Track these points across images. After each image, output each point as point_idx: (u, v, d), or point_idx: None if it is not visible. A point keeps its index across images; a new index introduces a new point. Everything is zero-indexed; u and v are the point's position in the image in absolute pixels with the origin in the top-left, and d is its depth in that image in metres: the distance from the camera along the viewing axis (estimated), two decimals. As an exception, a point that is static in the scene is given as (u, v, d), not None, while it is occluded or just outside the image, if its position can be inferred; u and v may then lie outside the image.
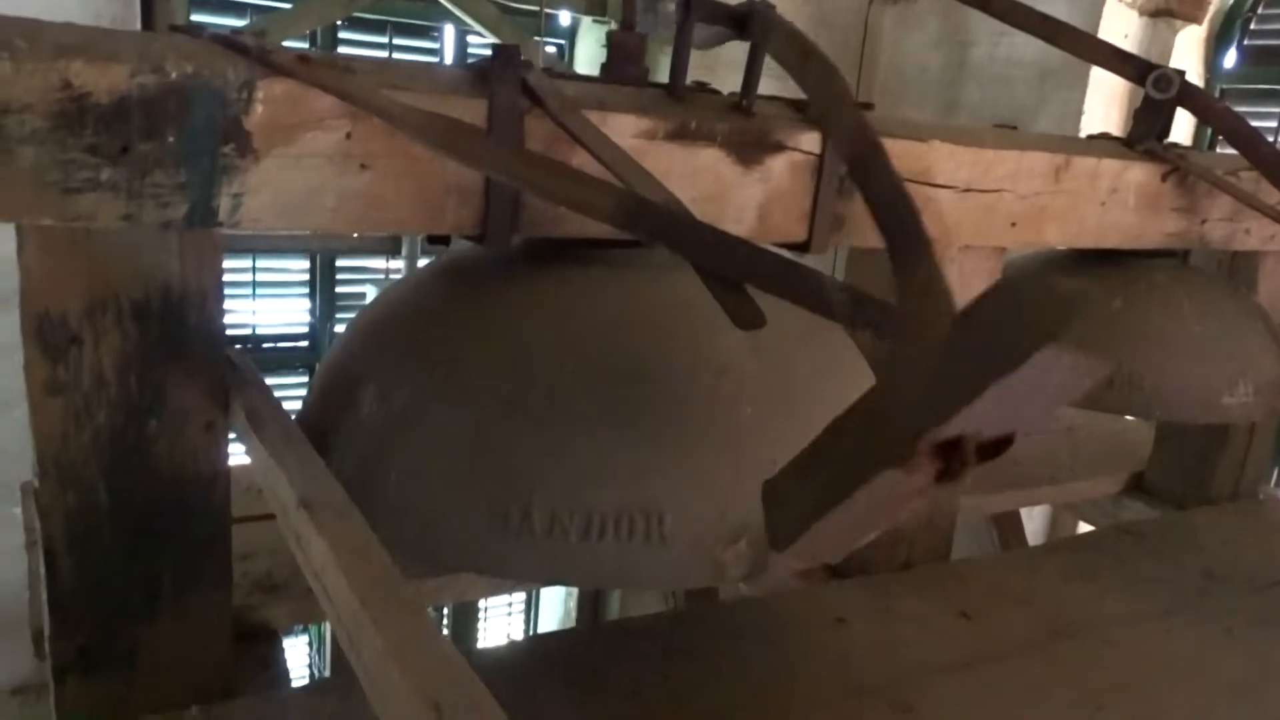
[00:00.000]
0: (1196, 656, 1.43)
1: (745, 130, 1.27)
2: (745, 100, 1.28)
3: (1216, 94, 4.83)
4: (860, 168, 0.96)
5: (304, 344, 5.18)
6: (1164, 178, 1.72)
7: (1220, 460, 2.16)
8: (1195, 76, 4.79)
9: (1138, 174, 1.69)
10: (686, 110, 1.24)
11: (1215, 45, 4.82)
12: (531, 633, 6.19)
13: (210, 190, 0.98)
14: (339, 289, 5.26)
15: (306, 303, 5.20)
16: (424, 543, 1.06)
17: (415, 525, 1.06)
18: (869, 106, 1.27)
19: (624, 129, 1.18)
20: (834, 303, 0.93)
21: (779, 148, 1.31)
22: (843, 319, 0.93)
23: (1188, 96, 1.66)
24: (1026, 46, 4.80)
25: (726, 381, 1.10)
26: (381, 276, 5.32)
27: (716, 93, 1.33)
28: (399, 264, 5.12)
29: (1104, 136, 1.77)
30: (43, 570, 1.07)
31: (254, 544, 1.46)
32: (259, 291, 5.12)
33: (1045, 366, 0.55)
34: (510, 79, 1.09)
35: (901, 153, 1.39)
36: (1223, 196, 1.81)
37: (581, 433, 1.04)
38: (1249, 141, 1.64)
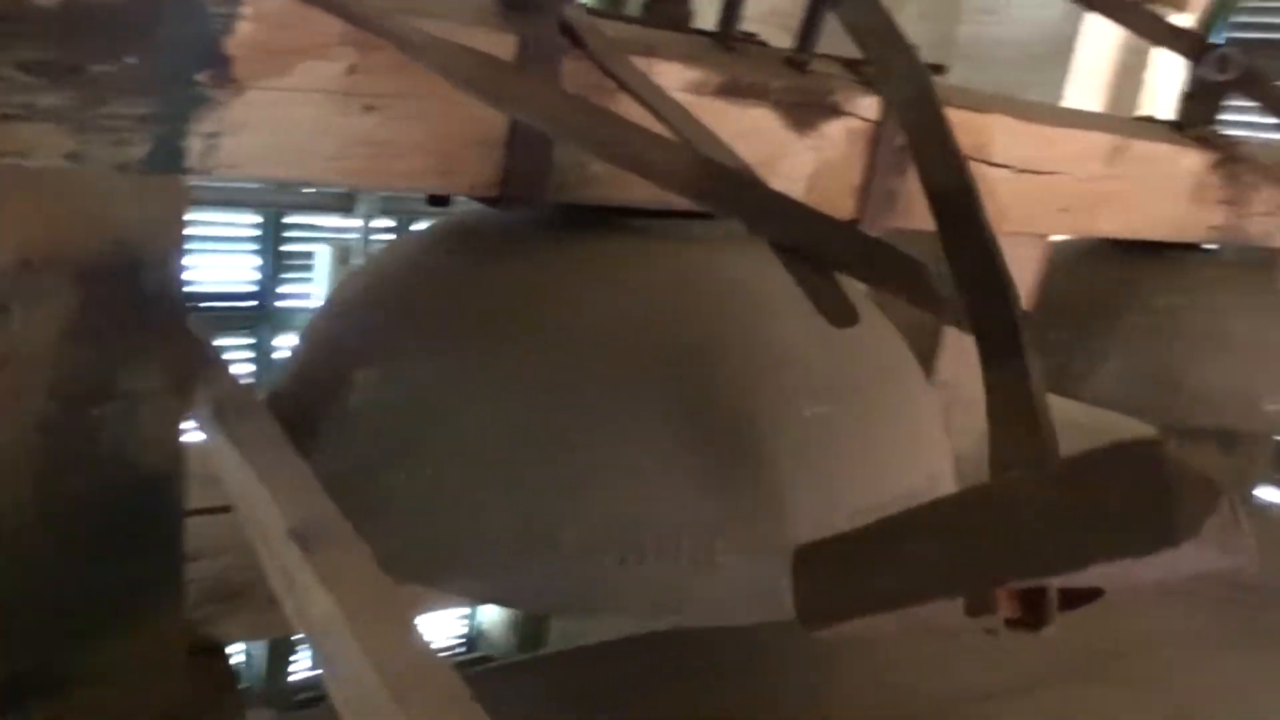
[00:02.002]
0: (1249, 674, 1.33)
1: (801, 90, 1.11)
2: (802, 55, 1.12)
3: (1195, 85, 4.78)
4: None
5: (251, 303, 4.89)
6: (1214, 167, 1.60)
7: (1228, 466, 2.08)
8: (1178, 65, 4.74)
9: (1191, 162, 1.56)
10: (737, 62, 1.08)
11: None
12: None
13: (179, 126, 0.79)
14: (286, 247, 4.97)
15: (254, 260, 4.91)
16: (433, 564, 0.89)
17: (424, 543, 0.89)
18: (940, 70, 1.12)
19: (670, 79, 1.01)
20: (945, 301, 0.78)
21: (835, 111, 1.15)
22: (953, 321, 0.78)
23: (1249, 81, 1.53)
24: (1012, 26, 4.70)
25: (788, 377, 0.95)
26: (334, 235, 5.05)
27: (766, 45, 1.16)
28: (357, 222, 4.86)
29: (1149, 119, 1.64)
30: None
31: (203, 542, 1.27)
32: (198, 246, 4.81)
33: (1179, 559, 0.49)
34: (548, 10, 0.91)
35: (959, 125, 1.24)
36: (1264, 189, 1.69)
37: (631, 432, 0.88)
38: (1312, 131, 1.53)
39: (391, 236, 4.91)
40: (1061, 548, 0.57)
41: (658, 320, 0.96)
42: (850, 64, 1.20)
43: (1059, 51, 4.48)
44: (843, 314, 0.77)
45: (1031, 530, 0.59)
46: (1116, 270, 1.64)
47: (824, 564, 0.77)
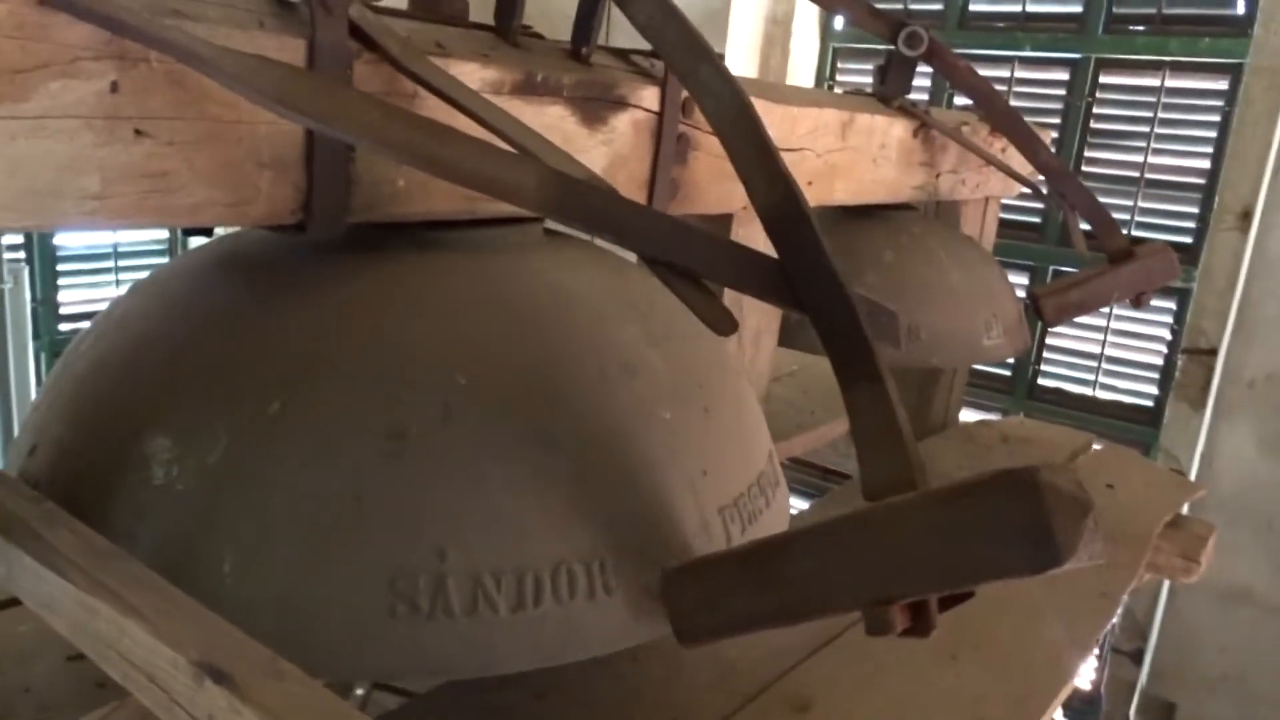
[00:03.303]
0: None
1: (590, 84, 1.08)
2: (585, 48, 1.08)
3: (829, 54, 5.31)
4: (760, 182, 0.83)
5: None
6: (915, 133, 1.78)
7: (935, 395, 2.35)
8: (814, 35, 5.23)
9: (898, 130, 1.72)
10: (526, 58, 1.02)
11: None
12: None
13: (-108, 174, 0.61)
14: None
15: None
16: (285, 651, 0.77)
17: (270, 626, 0.76)
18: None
19: (467, 80, 0.93)
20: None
21: (621, 104, 1.13)
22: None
23: (935, 54, 1.71)
24: (671, 2, 4.91)
25: (640, 383, 0.92)
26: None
27: (543, 38, 1.11)
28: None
29: (860, 94, 1.79)
30: None
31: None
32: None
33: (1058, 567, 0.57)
34: (337, 9, 0.80)
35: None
36: (949, 150, 1.92)
37: (494, 467, 0.81)
38: (988, 97, 1.74)
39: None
40: (950, 568, 0.63)
41: (494, 341, 0.89)
42: (622, 54, 1.18)
43: (714, 24, 4.76)
44: (722, 321, 0.76)
45: (918, 553, 0.64)
46: (846, 235, 1.77)
47: (698, 585, 0.78)
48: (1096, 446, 2.34)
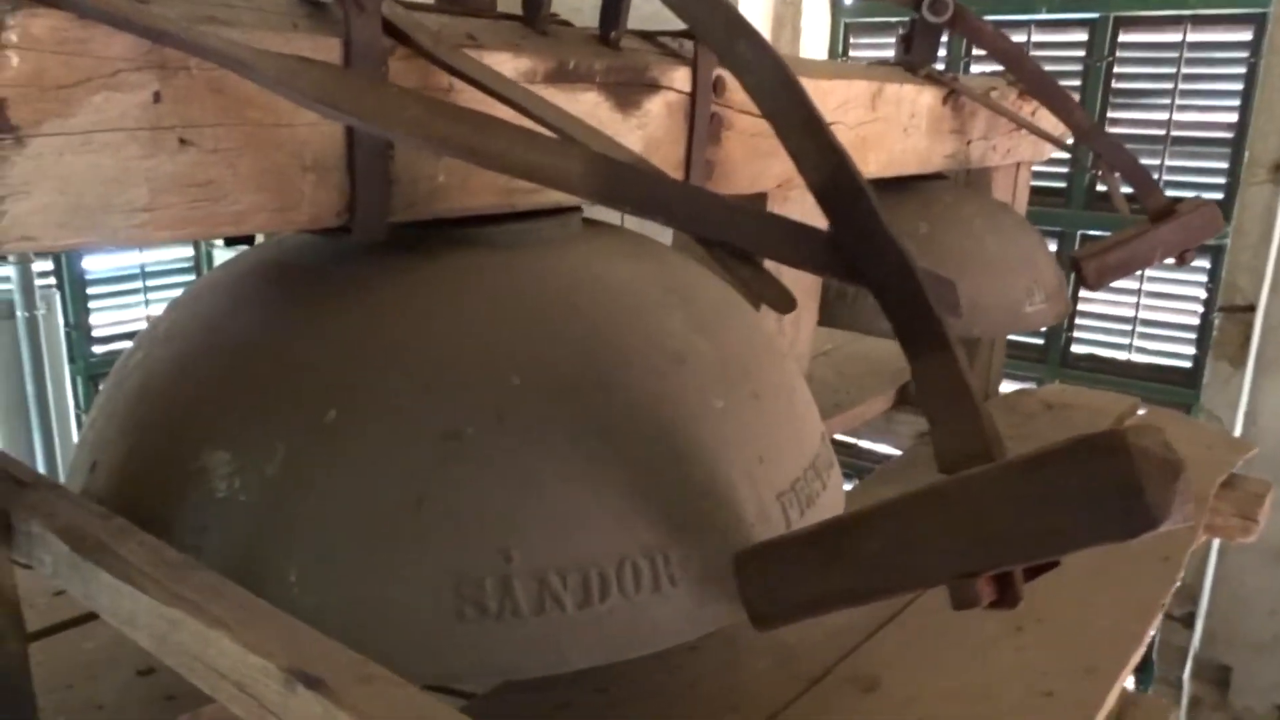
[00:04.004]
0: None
1: (622, 69, 1.06)
2: (614, 33, 1.07)
3: (841, 29, 5.26)
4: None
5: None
6: (944, 101, 1.75)
7: (974, 367, 2.32)
8: (824, 12, 5.18)
9: (928, 98, 1.70)
10: (556, 46, 1.01)
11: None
12: None
13: (-55, 197, 0.61)
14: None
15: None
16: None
17: (338, 633, 0.76)
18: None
19: (502, 71, 0.92)
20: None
21: (654, 87, 1.11)
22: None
23: (960, 19, 1.68)
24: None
25: (690, 371, 0.91)
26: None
27: (569, 24, 1.10)
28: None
29: (886, 64, 1.76)
30: None
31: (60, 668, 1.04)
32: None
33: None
34: (370, 6, 0.79)
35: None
36: (979, 116, 1.89)
37: (552, 464, 0.80)
38: (1018, 60, 1.71)
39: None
40: (1039, 538, 0.61)
41: (542, 336, 0.88)
42: (650, 37, 1.17)
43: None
44: (781, 300, 0.75)
45: (1005, 524, 0.62)
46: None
47: (769, 567, 0.77)
48: (1140, 411, 2.30)
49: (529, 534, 0.78)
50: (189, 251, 5.55)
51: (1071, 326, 4.78)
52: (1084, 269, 1.69)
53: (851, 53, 5.28)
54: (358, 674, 0.49)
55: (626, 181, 0.73)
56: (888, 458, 2.51)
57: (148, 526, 0.75)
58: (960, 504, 0.62)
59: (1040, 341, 5.09)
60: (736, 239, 0.75)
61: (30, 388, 4.32)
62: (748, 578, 0.78)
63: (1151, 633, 1.40)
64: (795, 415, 1.01)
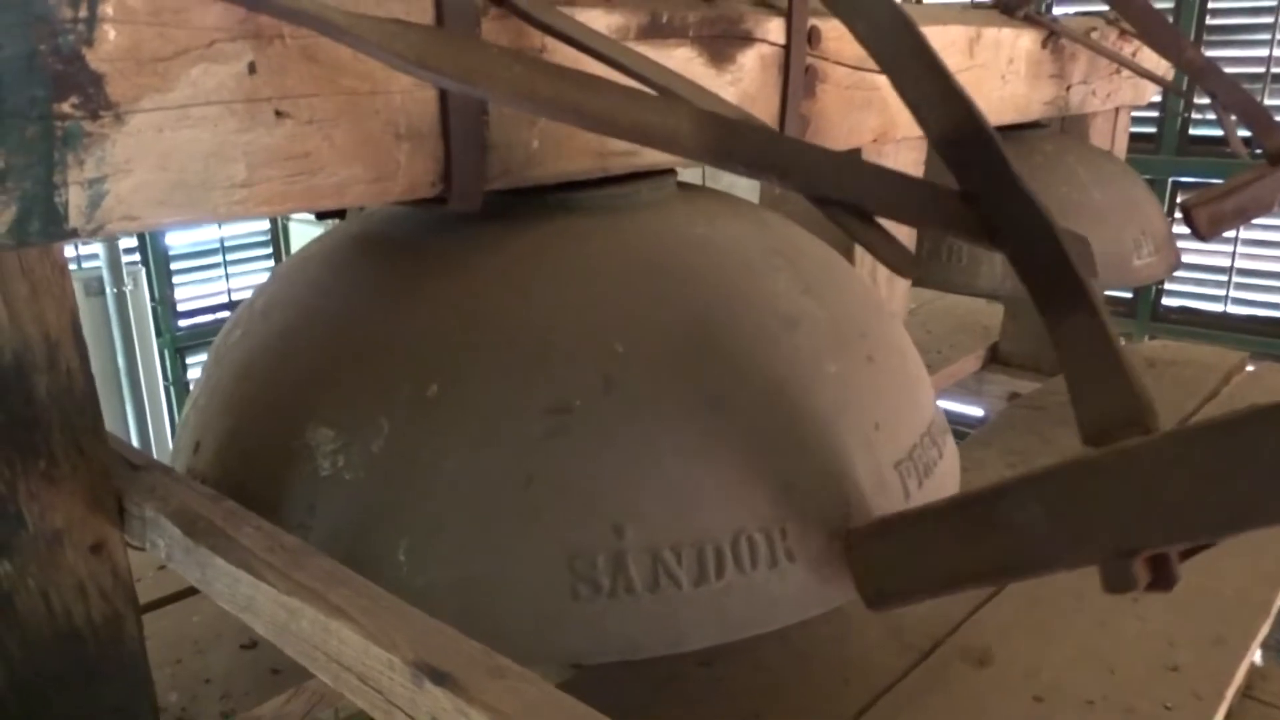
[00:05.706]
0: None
1: (715, 21, 1.01)
2: (705, -18, 1.02)
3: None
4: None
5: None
6: (1044, 44, 1.65)
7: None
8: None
9: (1026, 41, 1.61)
10: (647, -1, 0.96)
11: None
12: None
13: (49, 178, 0.59)
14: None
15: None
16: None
17: (450, 614, 0.74)
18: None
19: (595, 27, 0.88)
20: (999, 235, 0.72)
21: (748, 40, 1.06)
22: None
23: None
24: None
25: (801, 335, 0.86)
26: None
27: (658, -24, 1.05)
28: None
29: (978, 6, 1.67)
30: None
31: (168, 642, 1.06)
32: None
33: None
34: (462, -35, 0.76)
35: (839, 35, 1.19)
36: (1079, 60, 1.78)
37: (663, 436, 0.77)
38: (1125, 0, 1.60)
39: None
40: (1215, 514, 0.55)
41: (646, 303, 0.85)
42: (736, -15, 1.11)
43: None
44: (903, 261, 0.70)
45: (1174, 499, 0.57)
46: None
47: (888, 545, 0.73)
48: (1249, 367, 2.18)
49: (641, 508, 0.76)
50: (265, 225, 5.65)
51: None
52: (1195, 217, 1.59)
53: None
54: (488, 667, 0.46)
55: (738, 139, 0.68)
56: (973, 421, 2.44)
57: (254, 506, 0.74)
58: (1124, 476, 0.57)
59: (1129, 294, 4.90)
60: (859, 198, 0.70)
61: (121, 361, 4.46)
62: (861, 557, 0.75)
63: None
64: (909, 379, 0.96)
